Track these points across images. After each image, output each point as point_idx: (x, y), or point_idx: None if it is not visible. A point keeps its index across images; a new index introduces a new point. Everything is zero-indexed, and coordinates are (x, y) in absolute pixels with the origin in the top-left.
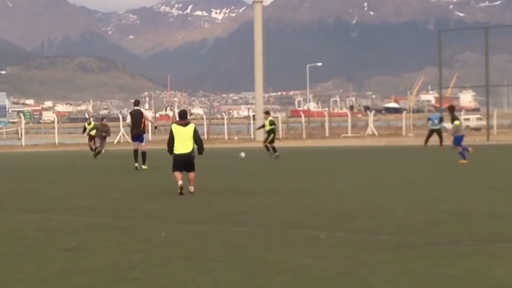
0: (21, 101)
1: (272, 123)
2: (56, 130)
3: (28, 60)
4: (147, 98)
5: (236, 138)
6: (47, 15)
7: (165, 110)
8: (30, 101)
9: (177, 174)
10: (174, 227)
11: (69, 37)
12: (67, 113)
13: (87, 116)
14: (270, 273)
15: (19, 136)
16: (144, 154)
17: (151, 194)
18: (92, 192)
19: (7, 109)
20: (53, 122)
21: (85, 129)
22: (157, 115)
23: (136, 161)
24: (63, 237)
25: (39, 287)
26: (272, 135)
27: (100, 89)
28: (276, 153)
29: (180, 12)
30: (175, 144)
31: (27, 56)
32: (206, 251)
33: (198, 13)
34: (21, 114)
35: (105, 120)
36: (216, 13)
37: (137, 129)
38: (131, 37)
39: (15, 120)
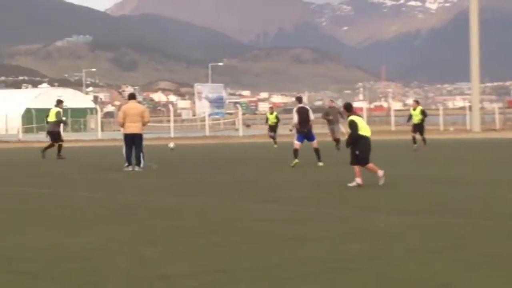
0: (237, 92)
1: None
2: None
3: (244, 52)
4: (361, 89)
5: (451, 129)
6: (263, 8)
7: (379, 101)
8: (246, 93)
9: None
10: (392, 218)
11: (284, 29)
12: (282, 104)
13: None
14: (494, 264)
15: (237, 127)
16: (317, 150)
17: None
18: (309, 183)
19: (224, 100)
20: None
21: (267, 119)
22: (372, 106)
23: (296, 157)
24: (283, 227)
25: (261, 276)
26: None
27: (314, 80)
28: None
29: (394, 2)
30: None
31: (243, 48)
32: (426, 242)
33: (412, 3)
34: (238, 105)
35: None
36: (430, 3)
37: (306, 127)
38: (345, 28)
39: (232, 111)
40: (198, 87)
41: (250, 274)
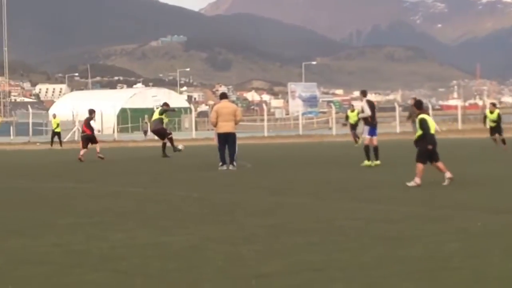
0: (330, 91)
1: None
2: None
3: (337, 51)
4: (455, 87)
5: None
6: (356, 6)
7: (474, 99)
8: (339, 91)
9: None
10: (488, 217)
11: (378, 27)
12: (375, 103)
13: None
14: None
15: (330, 126)
16: (376, 148)
17: (457, 183)
18: (399, 181)
19: (317, 99)
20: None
21: (347, 117)
22: (466, 104)
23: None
24: (379, 226)
25: (356, 275)
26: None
27: (407, 78)
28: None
29: None
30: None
31: (336, 47)
32: None
33: (508, 0)
34: (331, 104)
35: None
36: None
37: (375, 119)
38: (439, 25)
39: (325, 110)
40: (291, 86)
41: (345, 273)
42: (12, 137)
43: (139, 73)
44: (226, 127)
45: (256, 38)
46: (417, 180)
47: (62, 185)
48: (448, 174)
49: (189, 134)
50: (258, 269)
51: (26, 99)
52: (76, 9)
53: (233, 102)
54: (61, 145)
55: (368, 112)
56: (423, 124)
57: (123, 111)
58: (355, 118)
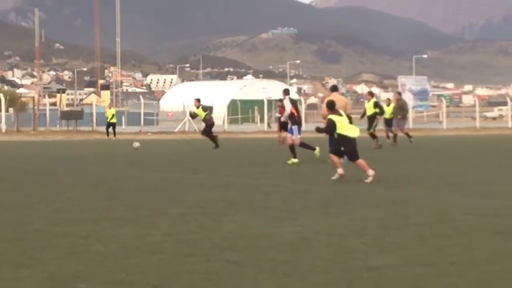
0: (440, 85)
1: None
2: (477, 114)
3: (448, 44)
4: None
5: None
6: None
7: None
8: (449, 85)
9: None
10: None
11: (491, 21)
12: (487, 97)
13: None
14: None
15: (440, 120)
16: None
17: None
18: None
19: (428, 93)
20: (473, 106)
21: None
22: None
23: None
24: (491, 221)
25: (468, 270)
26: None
27: None
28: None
29: None
30: None
31: (447, 40)
32: None
33: None
34: (441, 98)
35: None
36: None
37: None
38: None
39: (435, 104)
40: (401, 79)
41: (457, 268)
42: (123, 126)
43: (249, 64)
44: None
45: (366, 31)
46: (370, 172)
47: (174, 175)
48: (370, 172)
49: None
50: (368, 262)
51: (138, 89)
52: (188, 0)
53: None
54: (114, 136)
55: (288, 110)
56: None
57: (233, 103)
58: (390, 112)
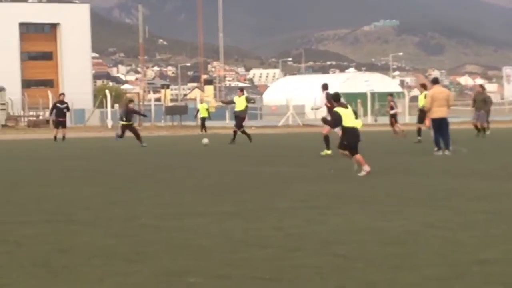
0: None
1: None
2: None
3: None
4: None
5: None
6: None
7: None
8: None
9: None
10: None
11: None
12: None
13: None
14: None
15: None
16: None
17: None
18: None
19: None
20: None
21: None
22: None
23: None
24: None
25: None
26: None
27: None
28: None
29: None
30: None
31: None
32: None
33: None
34: None
35: None
36: None
37: None
38: None
39: None
40: (506, 70)
41: None
42: (227, 121)
43: (351, 57)
44: (440, 112)
45: (469, 22)
46: (366, 168)
47: (278, 169)
48: (366, 168)
49: (402, 119)
50: (477, 255)
51: (240, 84)
52: None
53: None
54: (205, 131)
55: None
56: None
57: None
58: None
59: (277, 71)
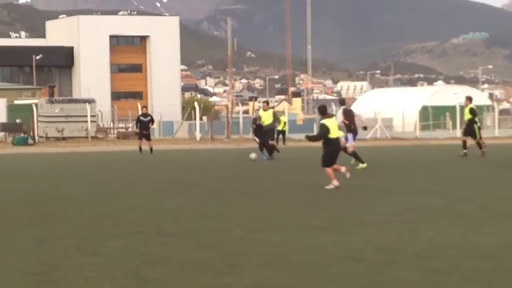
0: None
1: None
2: None
3: None
4: None
5: None
6: None
7: None
8: None
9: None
10: None
11: None
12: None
13: None
14: None
15: None
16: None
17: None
18: None
19: None
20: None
21: None
22: None
23: None
24: None
25: None
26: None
27: None
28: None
29: None
30: None
31: None
32: None
33: None
34: None
35: None
36: None
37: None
38: None
39: None
40: None
41: None
42: (315, 133)
43: (439, 70)
44: None
45: None
46: (334, 182)
47: (367, 182)
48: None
49: (491, 132)
50: None
51: (328, 97)
52: (377, 6)
53: None
54: (284, 143)
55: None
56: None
57: (424, 109)
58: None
59: (365, 83)
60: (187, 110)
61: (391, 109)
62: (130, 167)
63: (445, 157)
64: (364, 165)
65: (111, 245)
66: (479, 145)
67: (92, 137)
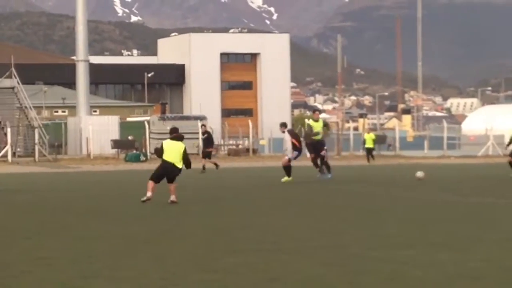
0: None
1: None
2: None
3: None
4: None
5: None
6: None
7: None
8: None
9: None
10: None
11: None
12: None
13: None
14: None
15: None
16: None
17: None
18: None
19: None
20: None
21: None
22: None
23: None
24: None
25: None
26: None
27: None
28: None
29: None
30: None
31: None
32: None
33: None
34: None
35: None
36: None
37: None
38: None
39: None
40: None
41: None
42: (426, 151)
43: None
44: None
45: None
46: (148, 194)
47: (484, 199)
48: (172, 197)
49: None
50: None
51: (438, 113)
52: (488, 22)
53: None
54: (368, 161)
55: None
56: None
57: None
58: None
59: (475, 100)
60: (296, 127)
61: (502, 126)
62: (239, 184)
63: None
64: (290, 179)
65: (228, 262)
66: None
67: None
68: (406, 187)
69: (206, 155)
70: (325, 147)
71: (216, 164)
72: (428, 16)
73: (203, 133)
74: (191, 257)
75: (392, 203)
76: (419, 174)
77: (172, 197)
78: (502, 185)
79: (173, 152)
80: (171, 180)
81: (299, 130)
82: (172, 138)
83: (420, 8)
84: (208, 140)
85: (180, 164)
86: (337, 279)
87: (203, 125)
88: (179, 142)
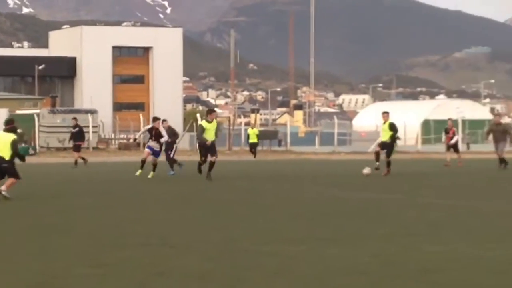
0: None
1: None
2: None
3: None
4: None
5: None
6: None
7: None
8: None
9: None
10: None
11: None
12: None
13: None
14: None
15: None
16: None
17: None
18: None
19: None
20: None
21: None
22: None
23: None
24: None
25: None
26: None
27: None
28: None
29: None
30: None
31: None
32: None
33: None
34: None
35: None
36: None
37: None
38: None
39: None
40: None
41: None
42: (317, 146)
43: (441, 84)
44: None
45: None
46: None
47: (372, 195)
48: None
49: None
50: None
51: (330, 109)
52: (380, 20)
53: None
54: (254, 156)
55: (166, 137)
56: None
57: (425, 123)
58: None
59: (367, 97)
60: (188, 121)
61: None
62: (131, 177)
63: (448, 171)
64: (138, 172)
65: (115, 256)
66: None
67: (94, 148)
68: (295, 182)
69: (76, 149)
70: (176, 145)
71: (84, 159)
72: (321, 12)
73: (73, 127)
74: (75, 251)
75: (282, 198)
76: (366, 170)
77: (3, 187)
78: (388, 180)
79: (0, 144)
80: (7, 175)
81: (191, 124)
82: (5, 130)
83: (313, 4)
84: (79, 133)
85: (8, 157)
86: (224, 274)
87: (74, 118)
88: (10, 134)
